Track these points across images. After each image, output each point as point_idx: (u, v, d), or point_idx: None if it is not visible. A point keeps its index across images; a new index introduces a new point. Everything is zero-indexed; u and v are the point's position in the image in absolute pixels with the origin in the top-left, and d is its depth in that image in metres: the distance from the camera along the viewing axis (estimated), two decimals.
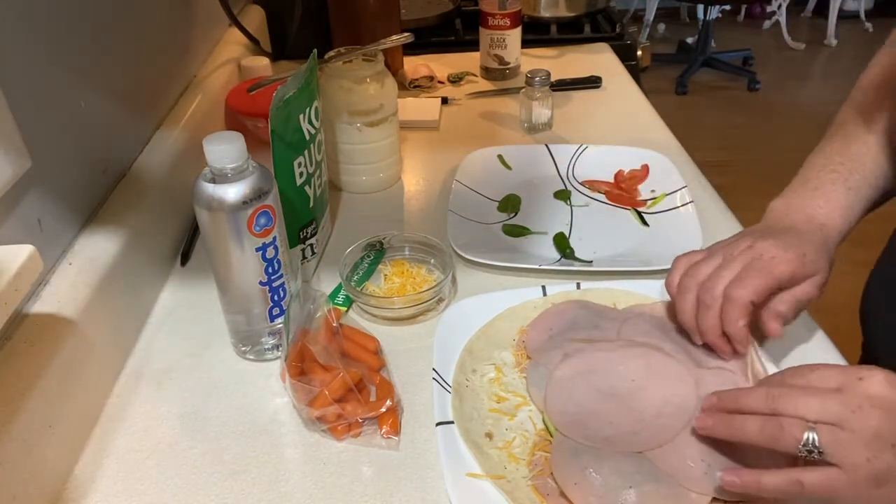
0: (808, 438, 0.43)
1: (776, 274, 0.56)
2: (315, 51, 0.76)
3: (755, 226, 0.65)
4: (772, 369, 0.59)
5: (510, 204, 0.88)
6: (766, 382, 0.50)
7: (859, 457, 0.42)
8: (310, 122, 0.73)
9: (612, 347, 0.61)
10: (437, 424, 0.57)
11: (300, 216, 0.74)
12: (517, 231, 0.84)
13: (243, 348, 0.67)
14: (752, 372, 0.58)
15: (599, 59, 1.32)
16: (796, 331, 0.67)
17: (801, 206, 0.64)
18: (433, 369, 0.61)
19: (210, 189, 0.58)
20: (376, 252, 0.77)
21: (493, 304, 0.69)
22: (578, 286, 0.70)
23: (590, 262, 0.77)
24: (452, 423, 0.57)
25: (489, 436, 0.57)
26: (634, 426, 0.55)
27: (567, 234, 0.83)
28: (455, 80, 1.25)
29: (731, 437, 0.48)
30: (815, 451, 0.43)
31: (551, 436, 0.57)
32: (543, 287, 0.70)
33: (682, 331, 0.62)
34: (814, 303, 0.59)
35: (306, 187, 0.74)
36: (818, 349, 0.65)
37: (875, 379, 0.44)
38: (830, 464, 0.43)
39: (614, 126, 1.08)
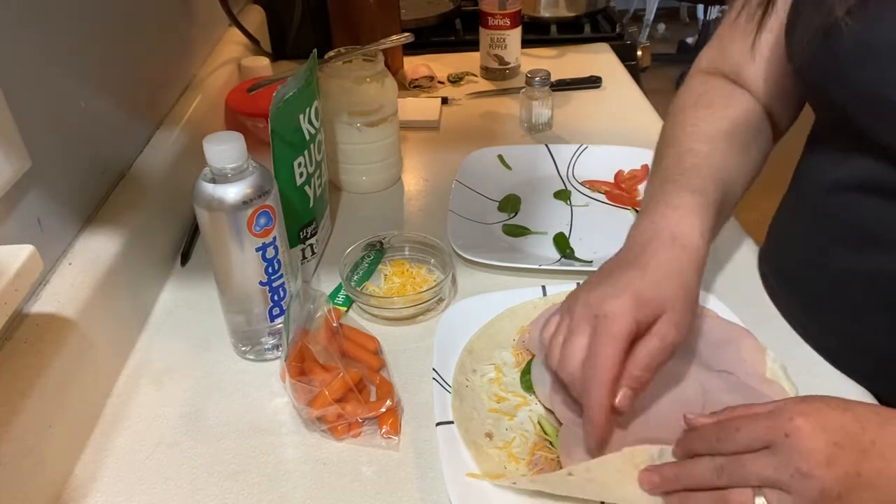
0: None
1: (618, 334, 0.50)
2: (315, 51, 0.76)
3: (606, 262, 0.58)
4: (780, 373, 0.59)
5: (510, 204, 0.88)
6: (698, 438, 0.48)
7: None
8: (310, 122, 0.73)
9: None
10: (437, 424, 0.57)
11: (300, 216, 0.74)
12: (517, 231, 0.84)
13: (243, 348, 0.67)
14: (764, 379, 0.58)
15: (599, 59, 1.32)
16: (803, 338, 0.67)
17: (650, 222, 0.57)
18: (433, 369, 0.61)
19: (210, 189, 0.58)
20: (376, 252, 0.77)
21: (493, 304, 0.69)
22: (578, 286, 0.70)
23: (590, 262, 0.77)
24: (452, 423, 0.57)
25: (489, 436, 0.57)
26: (638, 424, 0.55)
27: (567, 234, 0.83)
28: (455, 80, 1.25)
29: None
30: None
31: (547, 436, 0.57)
32: (543, 287, 0.70)
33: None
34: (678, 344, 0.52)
35: (306, 187, 0.74)
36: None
37: (801, 433, 0.42)
38: None
39: (614, 126, 1.08)
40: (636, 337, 0.51)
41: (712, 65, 0.70)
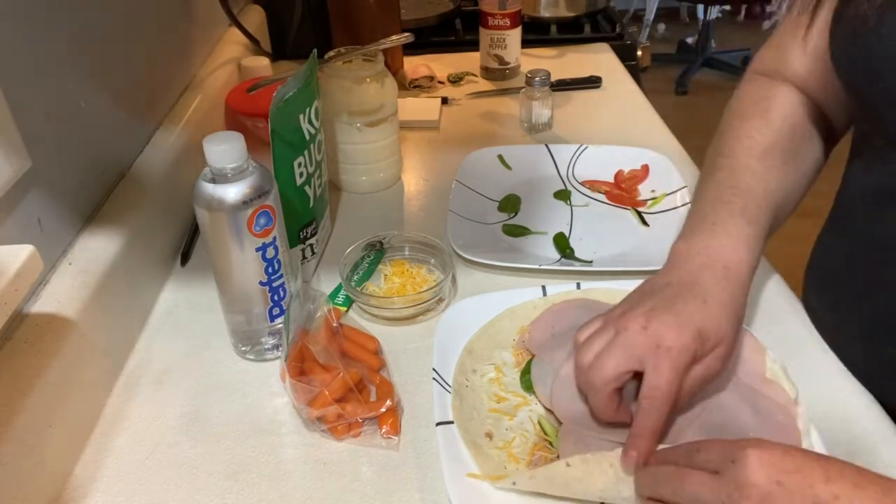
0: None
1: (681, 368, 0.51)
2: (315, 51, 0.76)
3: (656, 280, 0.57)
4: (779, 373, 0.59)
5: (510, 204, 0.88)
6: (667, 457, 0.48)
7: None
8: (310, 122, 0.73)
9: None
10: (437, 424, 0.57)
11: (300, 216, 0.74)
12: (517, 231, 0.84)
13: (243, 348, 0.67)
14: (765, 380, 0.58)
15: (599, 59, 1.32)
16: (802, 339, 0.67)
17: (703, 246, 0.57)
18: (433, 369, 0.61)
19: (210, 189, 0.58)
20: (376, 252, 0.77)
21: (493, 304, 0.69)
22: (578, 286, 0.70)
23: (590, 262, 0.77)
24: (452, 423, 0.57)
25: (489, 436, 0.57)
26: None
27: (567, 234, 0.83)
28: (455, 80, 1.25)
29: None
30: None
31: (547, 436, 0.57)
32: (543, 287, 0.70)
33: None
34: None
35: (306, 187, 0.74)
36: (814, 346, 0.65)
37: (748, 461, 0.41)
38: None
39: (614, 126, 1.08)
40: None
41: (768, 66, 0.68)
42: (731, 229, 0.58)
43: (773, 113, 0.65)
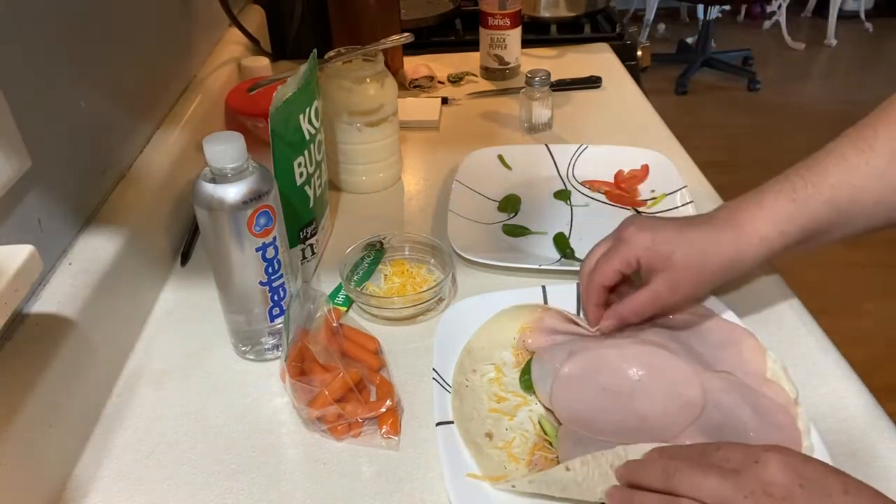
0: None
1: (621, 259, 0.61)
2: (315, 51, 0.76)
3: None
4: (780, 374, 0.59)
5: (510, 204, 0.88)
6: (677, 453, 0.48)
7: None
8: (310, 122, 0.73)
9: (617, 345, 0.61)
10: (437, 424, 0.57)
11: (300, 216, 0.74)
12: (517, 231, 0.84)
13: (243, 348, 0.67)
14: (765, 380, 0.58)
15: (599, 59, 1.32)
16: (802, 339, 0.67)
17: (736, 203, 0.60)
18: (433, 369, 0.61)
19: (210, 189, 0.58)
20: (376, 252, 0.77)
21: (493, 304, 0.68)
22: (579, 287, 0.70)
23: None
24: (452, 423, 0.57)
25: (489, 436, 0.57)
26: (639, 423, 0.55)
27: (567, 234, 0.83)
28: (455, 80, 1.25)
29: None
30: None
31: (547, 436, 0.57)
32: (543, 287, 0.70)
33: (688, 330, 0.63)
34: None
35: (306, 187, 0.74)
36: (814, 346, 0.65)
37: (771, 463, 0.42)
38: None
39: (614, 126, 1.08)
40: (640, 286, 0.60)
41: None
42: (768, 200, 0.58)
43: None
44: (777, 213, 0.57)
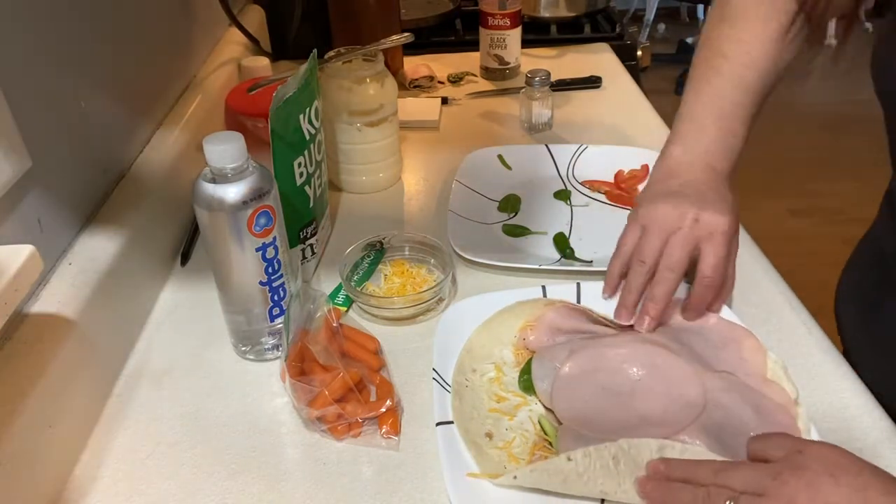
0: None
1: (736, 248, 0.63)
2: (315, 51, 0.76)
3: (669, 183, 0.66)
4: (780, 374, 0.59)
5: (510, 204, 0.88)
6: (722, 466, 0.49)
7: None
8: (310, 122, 0.73)
9: (618, 344, 0.61)
10: (437, 424, 0.57)
11: (300, 216, 0.74)
12: (517, 231, 0.84)
13: (243, 348, 0.67)
14: (764, 380, 0.58)
15: (599, 59, 1.32)
16: (802, 339, 0.67)
17: (697, 155, 0.66)
18: (433, 369, 0.61)
19: (210, 189, 0.58)
20: (376, 252, 0.77)
21: (493, 304, 0.68)
22: (579, 286, 0.70)
23: (590, 262, 0.77)
24: (452, 423, 0.57)
25: (489, 435, 0.57)
26: (640, 423, 0.55)
27: (567, 234, 0.83)
28: (455, 80, 1.25)
29: None
30: None
31: (547, 436, 0.57)
32: (543, 287, 0.70)
33: (688, 330, 0.63)
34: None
35: (306, 187, 0.74)
36: (814, 346, 0.65)
37: (811, 449, 0.44)
38: None
39: (614, 126, 1.08)
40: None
41: None
42: (715, 136, 0.66)
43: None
44: (726, 143, 0.66)
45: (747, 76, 0.66)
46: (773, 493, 0.42)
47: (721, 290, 0.63)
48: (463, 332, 0.66)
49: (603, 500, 0.51)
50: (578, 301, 0.69)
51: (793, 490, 0.42)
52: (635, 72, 1.35)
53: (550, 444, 0.57)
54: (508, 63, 1.24)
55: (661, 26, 4.55)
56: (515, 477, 0.52)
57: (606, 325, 0.65)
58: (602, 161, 0.94)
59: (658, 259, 0.62)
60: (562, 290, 0.70)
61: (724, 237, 0.61)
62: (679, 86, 3.74)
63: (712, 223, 0.61)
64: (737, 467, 0.46)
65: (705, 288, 0.62)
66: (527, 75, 1.03)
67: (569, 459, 0.50)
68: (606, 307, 0.67)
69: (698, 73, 0.68)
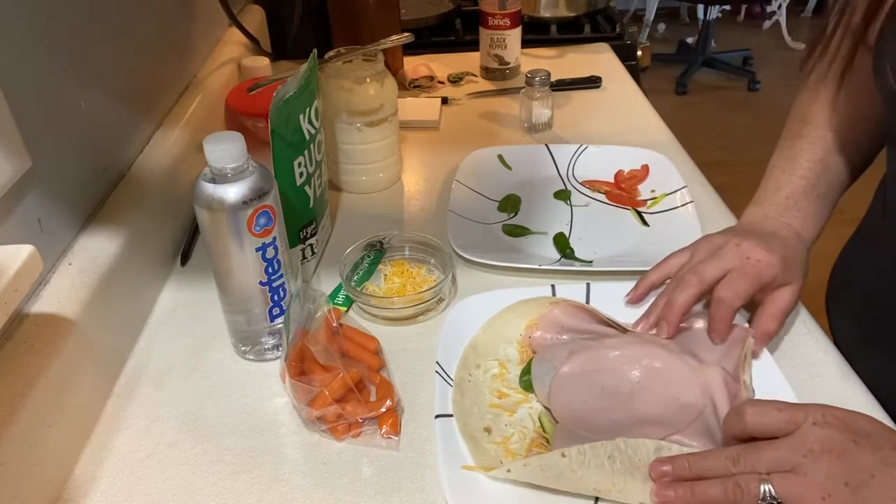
0: (764, 491, 0.44)
1: (764, 280, 0.60)
2: (315, 51, 0.76)
3: (735, 226, 0.68)
4: (764, 371, 0.59)
5: (510, 204, 0.88)
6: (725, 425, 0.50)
7: (814, 498, 0.43)
8: (310, 122, 0.73)
9: (618, 345, 0.61)
10: (437, 417, 0.57)
11: (300, 216, 0.74)
12: (517, 231, 0.84)
13: (243, 348, 0.67)
14: (743, 374, 0.58)
15: (599, 59, 1.32)
16: (802, 339, 0.67)
17: (777, 214, 0.67)
18: (437, 363, 0.61)
19: (210, 189, 0.58)
20: (376, 252, 0.77)
21: (503, 301, 0.68)
22: (588, 286, 0.70)
23: (590, 262, 0.77)
24: (451, 416, 0.57)
25: (488, 430, 0.57)
26: (636, 423, 0.55)
27: (567, 234, 0.83)
28: (455, 80, 1.25)
29: None
30: (775, 501, 0.44)
31: (546, 433, 0.57)
32: (553, 286, 0.70)
33: (689, 331, 0.63)
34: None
35: (306, 187, 0.74)
36: (814, 346, 0.65)
37: (828, 415, 0.46)
38: None
39: (614, 126, 1.08)
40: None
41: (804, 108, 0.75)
42: (803, 204, 0.67)
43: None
44: (812, 212, 0.67)
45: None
46: (808, 469, 0.43)
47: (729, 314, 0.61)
48: (470, 328, 0.66)
49: (597, 499, 0.51)
50: (588, 301, 0.69)
51: (827, 466, 0.43)
52: (635, 72, 1.35)
53: (548, 441, 0.57)
54: (508, 63, 1.24)
55: (661, 26, 4.55)
56: (509, 470, 0.52)
57: (611, 326, 0.65)
58: (602, 161, 0.94)
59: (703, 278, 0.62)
60: (561, 291, 0.70)
61: (754, 268, 0.60)
62: (679, 86, 3.74)
63: (750, 251, 0.61)
64: (753, 449, 0.46)
65: (715, 301, 0.61)
66: (527, 75, 1.03)
67: (563, 455, 0.50)
68: (612, 308, 0.67)
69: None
